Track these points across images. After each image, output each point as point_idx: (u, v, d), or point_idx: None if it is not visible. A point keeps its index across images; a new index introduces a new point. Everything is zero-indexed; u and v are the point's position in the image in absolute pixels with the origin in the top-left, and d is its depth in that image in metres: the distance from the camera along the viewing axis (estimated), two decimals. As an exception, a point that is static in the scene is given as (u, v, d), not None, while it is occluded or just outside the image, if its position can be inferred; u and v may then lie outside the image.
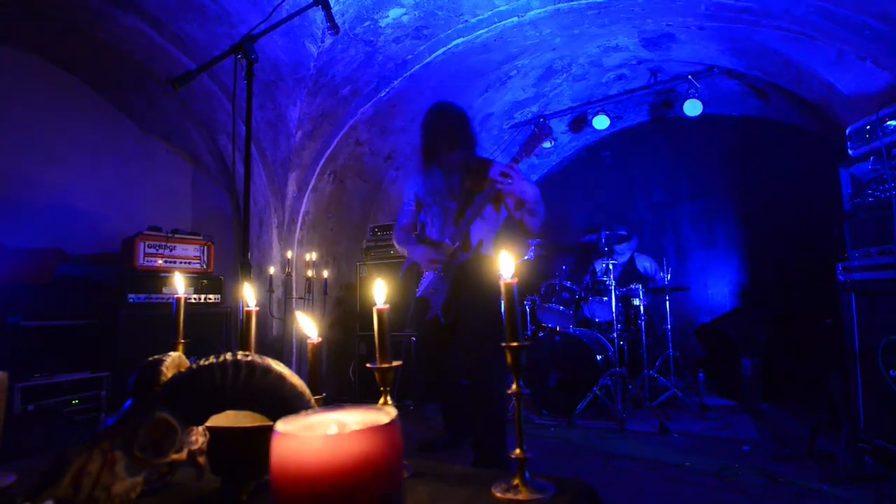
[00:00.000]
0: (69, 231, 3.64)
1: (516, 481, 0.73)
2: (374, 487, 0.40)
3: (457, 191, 2.38)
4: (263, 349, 3.78)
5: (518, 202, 2.26)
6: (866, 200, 2.40)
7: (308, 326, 0.87)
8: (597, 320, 4.03)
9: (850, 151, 2.53)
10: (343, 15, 3.00)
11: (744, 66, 3.59)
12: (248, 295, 0.98)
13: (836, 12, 2.56)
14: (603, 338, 3.80)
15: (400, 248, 2.54)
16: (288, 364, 3.82)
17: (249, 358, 0.66)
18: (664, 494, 2.13)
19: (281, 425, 0.41)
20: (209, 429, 0.72)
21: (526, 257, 4.21)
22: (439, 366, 2.48)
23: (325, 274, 3.97)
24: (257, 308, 0.98)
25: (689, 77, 4.05)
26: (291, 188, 3.94)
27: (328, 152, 3.90)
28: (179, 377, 0.65)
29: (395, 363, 0.83)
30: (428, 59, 3.52)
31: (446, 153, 2.38)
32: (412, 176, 2.62)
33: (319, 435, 0.39)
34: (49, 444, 2.19)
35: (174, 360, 0.71)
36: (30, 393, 2.60)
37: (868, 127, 2.41)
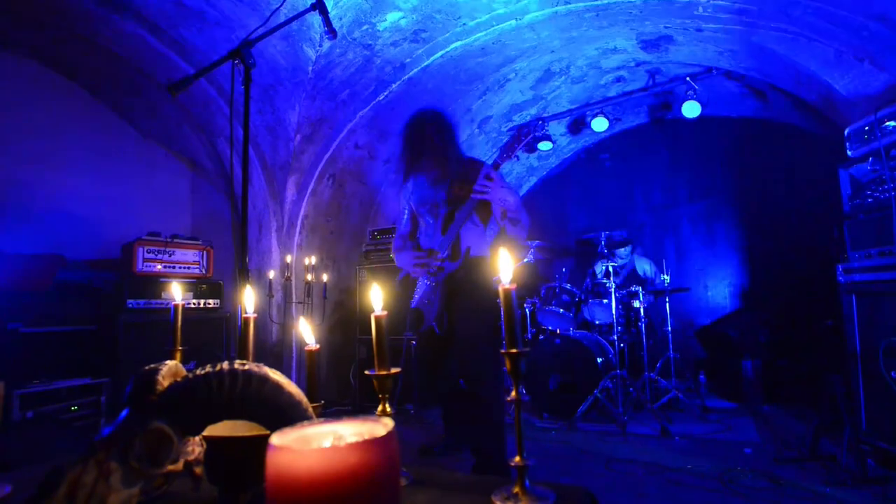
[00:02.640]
0: (69, 236, 3.64)
1: (516, 489, 0.73)
2: (370, 499, 0.40)
3: (445, 198, 2.34)
4: (264, 354, 3.79)
5: (502, 210, 2.23)
6: (866, 201, 2.40)
7: (306, 333, 0.86)
8: (597, 322, 4.02)
9: (849, 152, 2.52)
10: (341, 19, 3.00)
11: (742, 67, 3.60)
12: (247, 301, 0.97)
13: (834, 13, 2.56)
14: (603, 340, 3.79)
15: (393, 256, 2.52)
16: (288, 369, 3.81)
17: (246, 367, 0.65)
18: (666, 498, 2.12)
19: (276, 438, 0.40)
20: (206, 438, 0.71)
21: (525, 260, 4.20)
22: (438, 372, 2.46)
23: (325, 278, 3.96)
24: (255, 315, 0.98)
25: (688, 79, 4.05)
26: (290, 192, 3.94)
27: (327, 156, 3.90)
28: (176, 387, 0.64)
29: (393, 370, 0.83)
30: (426, 63, 3.52)
31: (431, 161, 2.31)
32: (403, 185, 2.53)
33: (314, 448, 0.39)
34: (48, 451, 2.18)
35: (171, 369, 0.71)
36: (29, 400, 2.59)
37: (867, 128, 2.41)
